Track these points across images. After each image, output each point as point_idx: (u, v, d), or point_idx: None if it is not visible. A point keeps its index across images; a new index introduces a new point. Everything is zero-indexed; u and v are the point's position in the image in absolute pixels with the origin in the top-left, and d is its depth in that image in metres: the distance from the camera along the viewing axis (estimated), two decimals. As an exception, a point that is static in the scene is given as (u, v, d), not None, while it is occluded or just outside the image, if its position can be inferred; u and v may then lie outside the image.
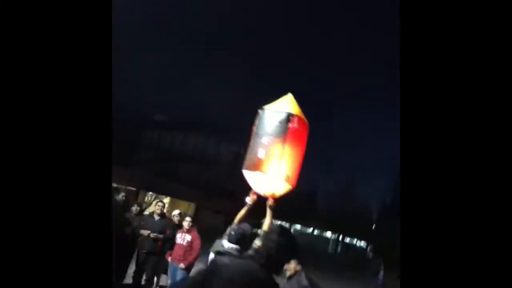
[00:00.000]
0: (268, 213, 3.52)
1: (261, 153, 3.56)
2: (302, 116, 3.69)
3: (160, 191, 24.37)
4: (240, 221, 3.67)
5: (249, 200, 3.70)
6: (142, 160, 25.02)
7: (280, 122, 3.55)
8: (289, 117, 3.54)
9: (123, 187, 22.44)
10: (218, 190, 26.46)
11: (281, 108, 3.61)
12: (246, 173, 3.59)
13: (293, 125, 3.54)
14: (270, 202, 3.56)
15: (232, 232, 3.49)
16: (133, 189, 22.64)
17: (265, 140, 3.56)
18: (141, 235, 5.91)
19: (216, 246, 3.71)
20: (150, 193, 24.94)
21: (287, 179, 3.57)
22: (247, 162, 3.60)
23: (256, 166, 3.54)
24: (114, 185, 22.94)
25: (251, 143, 3.63)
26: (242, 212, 3.70)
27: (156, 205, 6.03)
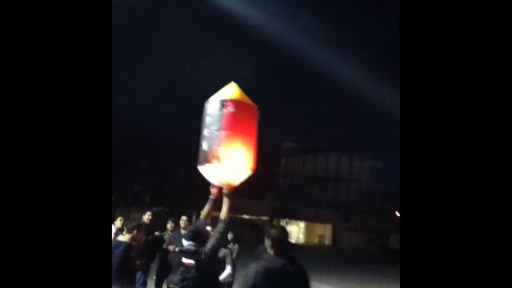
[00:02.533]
0: (224, 201, 3.47)
1: (204, 146, 3.58)
2: (244, 99, 3.60)
3: (295, 217, 24.84)
4: (206, 217, 3.68)
5: (211, 195, 3.69)
6: (277, 188, 26.05)
7: (215, 111, 3.54)
8: (222, 103, 3.50)
9: (256, 217, 23.72)
10: (354, 209, 25.49)
11: (218, 97, 3.60)
12: (200, 169, 3.63)
13: (227, 109, 3.48)
14: (224, 190, 3.51)
15: (188, 230, 3.53)
16: (267, 218, 23.63)
17: (206, 131, 3.58)
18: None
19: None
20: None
21: (240, 165, 3.48)
22: (198, 158, 3.65)
23: (204, 159, 3.56)
24: (246, 216, 24.54)
25: (200, 138, 3.69)
26: (206, 208, 3.70)
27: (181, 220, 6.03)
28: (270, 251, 2.57)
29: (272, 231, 2.62)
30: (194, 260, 3.20)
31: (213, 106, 3.58)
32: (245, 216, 24.16)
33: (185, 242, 3.39)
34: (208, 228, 3.58)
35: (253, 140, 3.62)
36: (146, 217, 5.81)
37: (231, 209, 3.45)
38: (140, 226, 4.49)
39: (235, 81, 3.77)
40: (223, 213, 3.42)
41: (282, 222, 25.34)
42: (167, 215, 8.28)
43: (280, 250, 2.56)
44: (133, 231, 4.28)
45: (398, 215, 25.26)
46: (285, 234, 2.67)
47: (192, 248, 3.29)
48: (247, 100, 3.64)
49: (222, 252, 4.66)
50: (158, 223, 6.55)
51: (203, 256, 3.16)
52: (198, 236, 3.34)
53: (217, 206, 3.69)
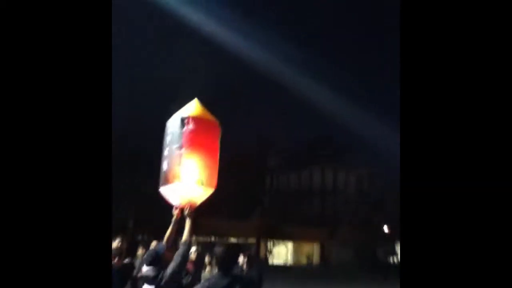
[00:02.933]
0: (186, 222, 3.33)
1: (164, 166, 3.47)
2: (205, 115, 3.52)
3: (282, 237, 24.46)
4: (169, 240, 3.52)
5: (173, 217, 3.56)
6: (262, 208, 25.59)
7: (175, 129, 3.45)
8: (183, 121, 3.42)
9: (244, 240, 23.30)
10: (341, 222, 25.24)
11: (179, 115, 3.52)
12: (162, 190, 3.50)
13: (188, 127, 3.39)
14: (186, 211, 3.38)
15: (146, 254, 3.37)
16: (253, 240, 23.22)
17: (166, 151, 3.49)
18: None
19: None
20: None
21: (201, 183, 3.38)
22: (160, 179, 3.53)
23: (164, 180, 3.45)
24: (233, 240, 24.11)
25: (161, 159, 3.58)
26: (168, 230, 3.55)
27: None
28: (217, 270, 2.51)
29: (216, 249, 2.54)
30: (154, 286, 3.03)
31: (173, 124, 3.50)
32: (232, 239, 23.76)
33: (144, 268, 3.23)
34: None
35: (215, 157, 3.52)
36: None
37: (193, 230, 3.32)
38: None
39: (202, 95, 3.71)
40: (185, 235, 3.27)
41: (270, 243, 24.99)
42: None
43: (224, 268, 2.49)
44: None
45: (387, 229, 25.11)
46: (229, 252, 2.60)
47: (152, 273, 3.12)
48: (209, 116, 3.56)
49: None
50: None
51: (163, 282, 3.00)
52: (157, 260, 3.18)
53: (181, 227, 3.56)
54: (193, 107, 3.56)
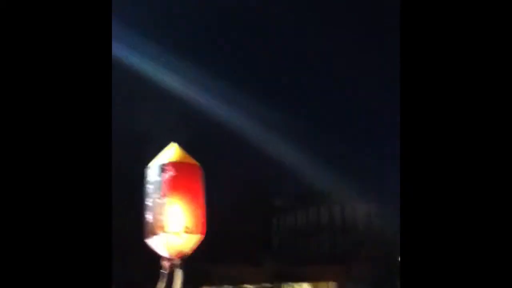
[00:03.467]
0: (176, 274, 3.16)
1: (148, 217, 3.33)
2: (184, 159, 3.43)
3: (296, 279, 23.66)
4: None
5: (163, 269, 3.37)
6: (273, 250, 24.93)
7: (155, 177, 3.35)
8: (161, 167, 3.32)
9: (258, 285, 22.54)
10: (354, 259, 24.50)
11: (157, 162, 3.43)
12: (149, 242, 3.35)
13: (168, 173, 3.29)
14: (175, 261, 3.21)
15: None
16: (269, 285, 22.46)
17: (148, 201, 3.36)
18: None
19: None
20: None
21: (188, 230, 3.23)
22: (145, 231, 3.38)
23: (149, 231, 3.30)
24: (247, 286, 23.26)
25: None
26: (159, 283, 3.35)
27: None
28: None
29: None
30: None
31: (152, 172, 3.40)
32: (245, 285, 22.98)
33: None
34: None
35: (200, 201, 3.39)
36: None
37: (183, 281, 3.14)
38: None
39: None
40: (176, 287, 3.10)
41: (285, 287, 24.07)
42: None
43: None
44: None
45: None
46: None
47: None
48: (189, 160, 3.46)
49: None
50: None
51: None
52: None
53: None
54: (171, 152, 3.48)
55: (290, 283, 24.37)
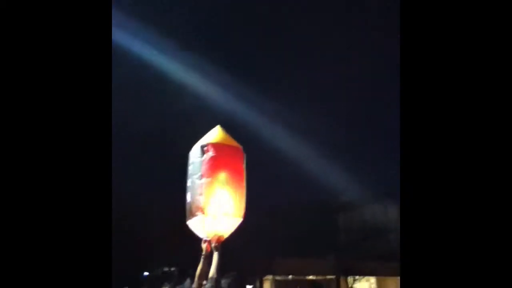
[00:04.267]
0: (214, 256, 3.09)
1: (188, 197, 3.29)
2: (226, 141, 3.33)
3: (362, 273, 22.89)
4: (201, 275, 3.26)
5: (203, 251, 3.32)
6: (338, 245, 24.33)
7: (195, 158, 3.29)
8: (202, 148, 3.25)
9: (322, 277, 22.16)
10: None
11: (199, 143, 3.37)
12: (189, 224, 3.31)
13: (208, 154, 3.22)
14: (213, 244, 3.14)
15: None
16: (333, 277, 22.01)
17: (189, 182, 3.31)
18: None
19: None
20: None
21: (227, 213, 3.14)
22: (186, 212, 3.35)
23: (189, 212, 3.26)
24: (311, 277, 22.99)
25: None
26: (199, 266, 3.30)
27: None
28: None
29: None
30: None
31: (194, 153, 3.35)
32: (310, 277, 22.77)
33: None
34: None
35: (240, 184, 3.27)
36: None
37: (220, 265, 3.05)
38: None
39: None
40: (212, 270, 3.02)
41: (350, 280, 23.44)
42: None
43: None
44: None
45: None
46: None
47: None
48: (231, 142, 3.35)
49: None
50: None
51: None
52: None
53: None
54: (213, 134, 3.39)
55: (356, 277, 23.73)
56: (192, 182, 3.25)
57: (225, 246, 3.24)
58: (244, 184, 3.29)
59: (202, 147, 3.26)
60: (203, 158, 3.21)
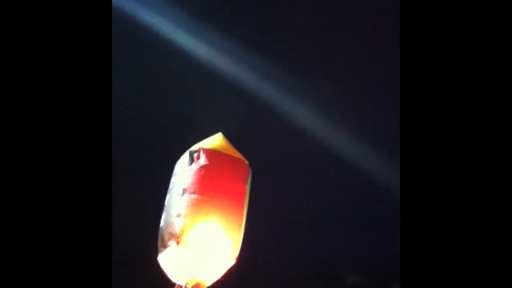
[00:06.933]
0: None
1: (162, 221, 2.32)
2: (225, 150, 2.43)
3: None
4: None
5: None
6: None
7: (181, 168, 2.38)
8: (191, 155, 2.36)
9: None
10: None
11: (192, 149, 2.47)
12: (160, 260, 2.30)
13: (198, 163, 2.31)
14: None
15: None
16: None
17: (166, 200, 2.37)
18: None
19: None
20: None
21: (215, 251, 2.15)
22: (158, 244, 2.35)
23: (161, 242, 2.27)
24: None
25: None
26: None
27: None
28: None
29: None
30: None
31: (180, 162, 2.45)
32: None
33: None
34: None
35: (239, 210, 2.30)
36: None
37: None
38: None
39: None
40: None
41: None
42: None
43: None
44: None
45: None
46: None
47: None
48: (232, 152, 2.45)
49: None
50: None
51: None
52: None
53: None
54: (212, 141, 2.51)
55: None
56: (170, 198, 2.31)
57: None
58: (244, 211, 2.32)
59: (192, 153, 2.36)
60: (191, 167, 2.30)
